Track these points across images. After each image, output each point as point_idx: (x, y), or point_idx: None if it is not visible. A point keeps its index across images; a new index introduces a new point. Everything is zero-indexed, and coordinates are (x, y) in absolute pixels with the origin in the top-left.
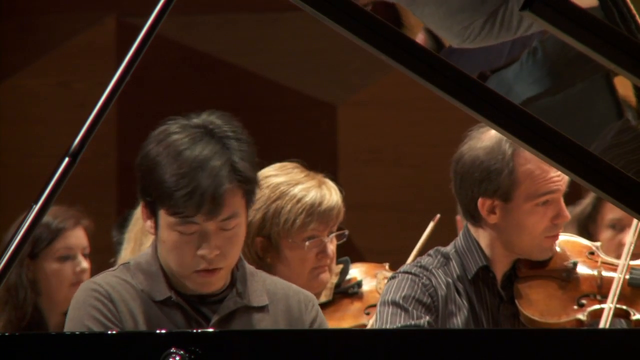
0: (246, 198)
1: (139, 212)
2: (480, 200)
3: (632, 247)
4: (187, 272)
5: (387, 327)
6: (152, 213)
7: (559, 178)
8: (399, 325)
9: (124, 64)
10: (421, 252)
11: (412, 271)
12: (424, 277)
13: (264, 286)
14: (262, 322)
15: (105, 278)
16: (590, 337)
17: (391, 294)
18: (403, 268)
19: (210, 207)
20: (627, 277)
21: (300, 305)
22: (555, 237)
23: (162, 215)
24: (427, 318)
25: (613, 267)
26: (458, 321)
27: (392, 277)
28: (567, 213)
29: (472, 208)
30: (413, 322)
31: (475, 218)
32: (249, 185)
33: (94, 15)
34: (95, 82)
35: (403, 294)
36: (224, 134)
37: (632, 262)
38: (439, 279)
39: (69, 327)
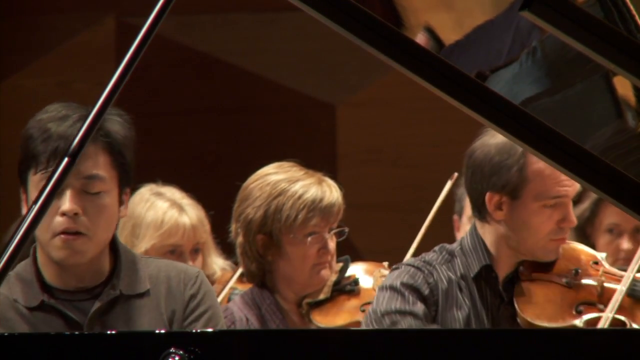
0: (117, 171)
1: (127, 214)
2: (488, 195)
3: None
4: (49, 235)
5: (382, 309)
6: (24, 188)
7: (570, 182)
8: (394, 308)
9: (123, 64)
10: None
11: (415, 264)
12: (426, 271)
13: (146, 272)
14: (144, 307)
15: None
16: (590, 337)
17: (391, 280)
18: (406, 261)
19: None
20: (626, 288)
21: (180, 284)
22: (561, 240)
23: (31, 182)
24: (423, 307)
25: (615, 278)
26: (459, 318)
27: (395, 268)
28: (574, 218)
29: (480, 203)
30: (408, 308)
31: (482, 213)
32: (118, 156)
33: (94, 15)
34: (95, 82)
35: (402, 280)
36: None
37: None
38: (441, 274)
39: None
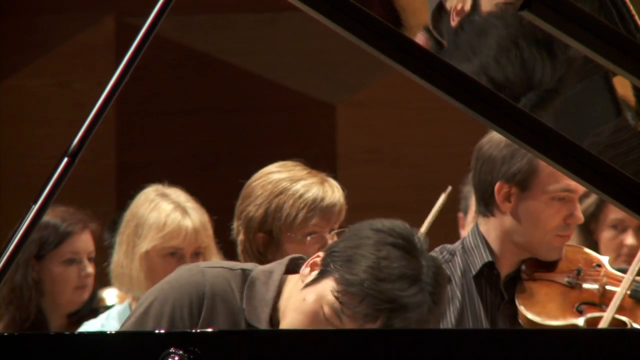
0: None
1: (129, 214)
2: (498, 185)
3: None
4: None
5: None
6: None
7: None
8: None
9: (123, 64)
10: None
11: None
12: None
13: None
14: None
15: (216, 277)
16: (590, 337)
17: None
18: None
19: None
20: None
21: None
22: (566, 237)
23: None
24: None
25: (617, 280)
26: (454, 317)
27: None
28: (581, 215)
29: (488, 195)
30: None
31: (488, 206)
32: None
33: (94, 15)
34: (94, 82)
35: None
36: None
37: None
38: None
39: (149, 295)
